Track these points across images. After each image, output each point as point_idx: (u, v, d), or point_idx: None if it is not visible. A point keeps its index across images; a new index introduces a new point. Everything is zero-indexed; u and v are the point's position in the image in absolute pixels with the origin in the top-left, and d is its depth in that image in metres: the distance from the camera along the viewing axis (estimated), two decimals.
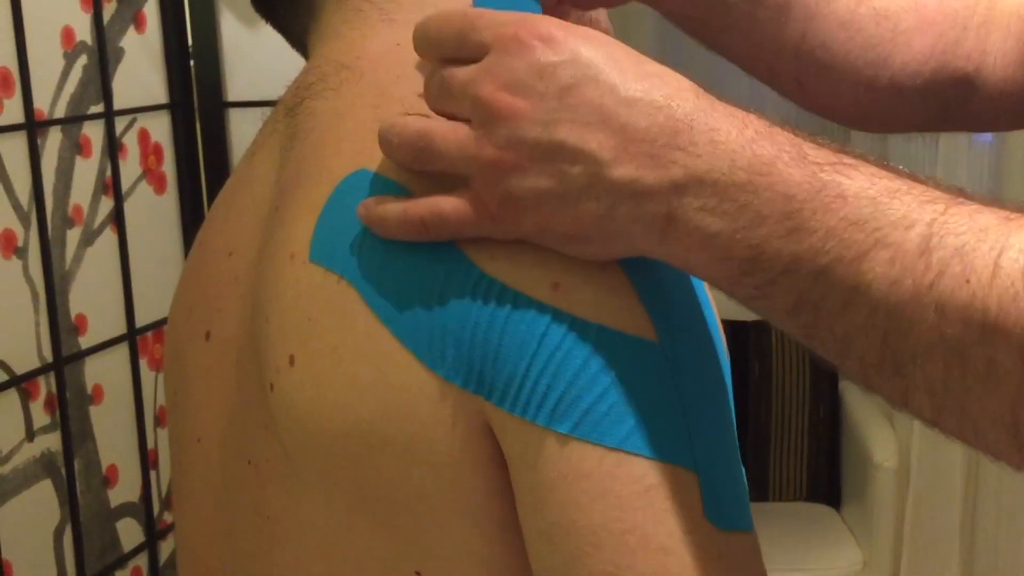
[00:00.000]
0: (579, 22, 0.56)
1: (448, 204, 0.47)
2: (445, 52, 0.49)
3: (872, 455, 2.26)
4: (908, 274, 0.40)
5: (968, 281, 0.39)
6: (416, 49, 0.51)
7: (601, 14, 0.61)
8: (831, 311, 0.41)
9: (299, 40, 0.65)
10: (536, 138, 0.45)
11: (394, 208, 0.48)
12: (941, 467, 2.18)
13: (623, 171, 0.44)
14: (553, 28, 0.46)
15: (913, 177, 0.43)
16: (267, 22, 0.67)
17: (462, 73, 0.47)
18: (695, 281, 0.51)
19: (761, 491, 2.46)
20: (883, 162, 0.43)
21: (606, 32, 0.50)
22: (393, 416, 0.48)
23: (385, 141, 0.49)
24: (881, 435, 2.30)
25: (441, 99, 0.48)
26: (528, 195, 0.45)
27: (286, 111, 0.60)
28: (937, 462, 2.19)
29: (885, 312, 0.40)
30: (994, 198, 0.42)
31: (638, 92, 0.44)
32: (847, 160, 0.43)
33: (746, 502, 0.48)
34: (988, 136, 1.94)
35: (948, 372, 0.39)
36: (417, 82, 0.51)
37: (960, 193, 0.42)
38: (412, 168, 0.49)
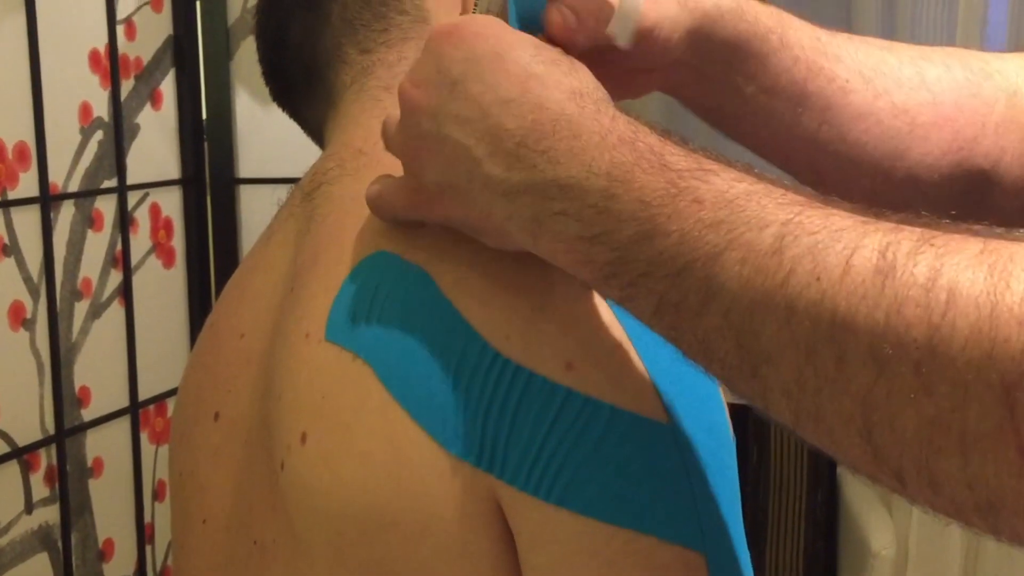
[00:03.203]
0: None
1: (389, 187, 0.52)
2: None
3: (870, 543, 2.24)
4: (759, 273, 0.39)
5: (819, 279, 0.37)
6: None
7: None
8: (689, 313, 0.41)
9: (315, 130, 0.66)
10: (429, 130, 0.47)
11: (368, 189, 0.53)
12: (939, 556, 2.16)
13: (494, 169, 0.45)
14: (465, 24, 0.47)
15: (775, 182, 0.42)
16: (285, 112, 0.68)
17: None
18: None
19: None
20: (748, 167, 0.43)
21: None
22: (405, 493, 0.48)
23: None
24: (879, 522, 2.28)
25: None
26: (432, 185, 0.48)
27: (303, 196, 0.62)
28: (935, 551, 2.17)
29: (738, 312, 0.39)
30: (856, 205, 0.41)
31: (513, 92, 0.45)
32: (707, 165, 0.42)
33: None
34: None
35: (800, 373, 0.38)
36: None
37: (822, 199, 0.41)
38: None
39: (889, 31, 2.04)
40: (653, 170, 0.42)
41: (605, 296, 0.46)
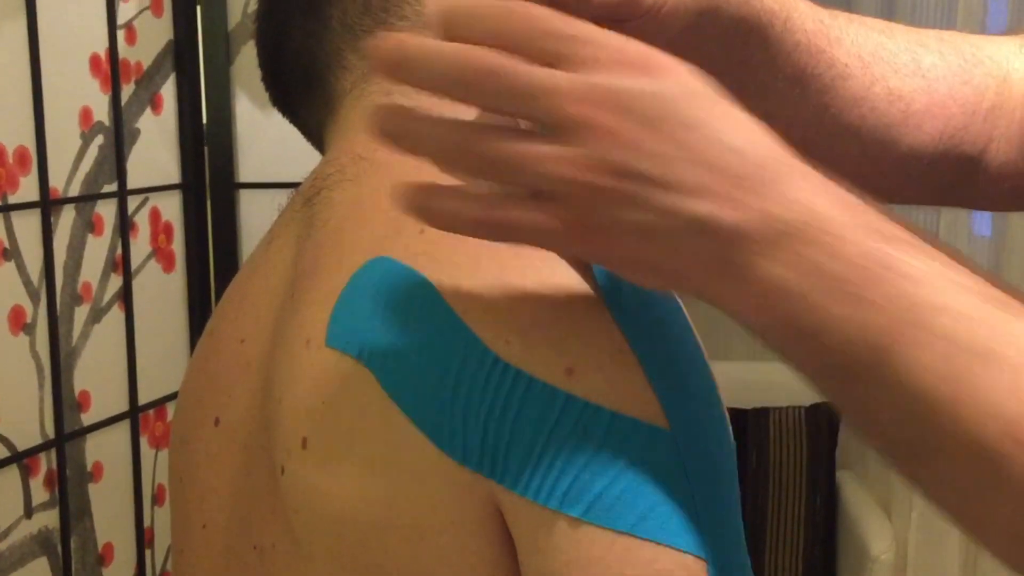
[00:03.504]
0: None
1: (530, 215, 0.44)
2: (506, 43, 0.44)
3: (869, 547, 2.24)
4: (957, 373, 0.40)
5: (1014, 393, 0.39)
6: (447, 25, 0.44)
7: None
8: (869, 387, 0.41)
9: (315, 135, 0.66)
10: (644, 171, 0.43)
11: (452, 204, 0.45)
12: (938, 560, 2.16)
13: (705, 208, 0.43)
14: (665, 58, 0.45)
15: (956, 256, 0.43)
16: (284, 116, 0.68)
17: (553, 79, 0.43)
18: (703, 367, 0.52)
19: None
20: (933, 238, 0.44)
21: None
22: (405, 498, 0.49)
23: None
24: (878, 527, 2.28)
25: (503, 96, 0.43)
26: (624, 225, 0.43)
27: (304, 202, 0.62)
28: (934, 555, 2.17)
29: (926, 402, 0.40)
30: (1015, 289, 0.42)
31: (738, 140, 0.44)
32: (910, 238, 0.43)
33: None
34: (987, 229, 1.95)
35: (965, 473, 0.39)
36: (436, 172, 0.51)
37: (1009, 290, 0.42)
38: (452, 171, 0.45)
39: None
40: (864, 232, 0.42)
41: (762, 343, 0.45)
